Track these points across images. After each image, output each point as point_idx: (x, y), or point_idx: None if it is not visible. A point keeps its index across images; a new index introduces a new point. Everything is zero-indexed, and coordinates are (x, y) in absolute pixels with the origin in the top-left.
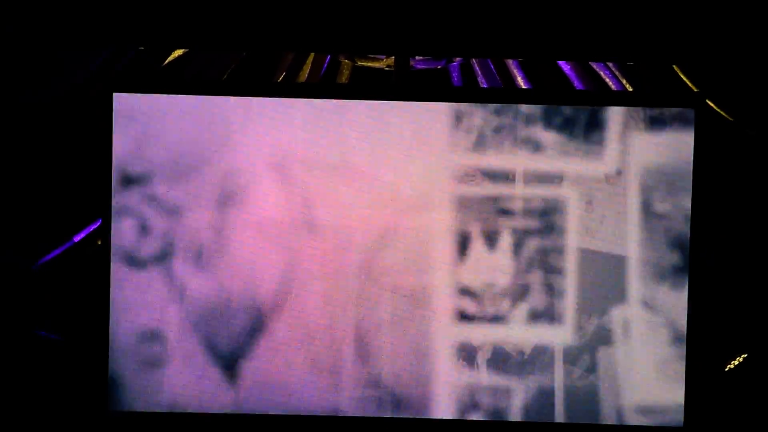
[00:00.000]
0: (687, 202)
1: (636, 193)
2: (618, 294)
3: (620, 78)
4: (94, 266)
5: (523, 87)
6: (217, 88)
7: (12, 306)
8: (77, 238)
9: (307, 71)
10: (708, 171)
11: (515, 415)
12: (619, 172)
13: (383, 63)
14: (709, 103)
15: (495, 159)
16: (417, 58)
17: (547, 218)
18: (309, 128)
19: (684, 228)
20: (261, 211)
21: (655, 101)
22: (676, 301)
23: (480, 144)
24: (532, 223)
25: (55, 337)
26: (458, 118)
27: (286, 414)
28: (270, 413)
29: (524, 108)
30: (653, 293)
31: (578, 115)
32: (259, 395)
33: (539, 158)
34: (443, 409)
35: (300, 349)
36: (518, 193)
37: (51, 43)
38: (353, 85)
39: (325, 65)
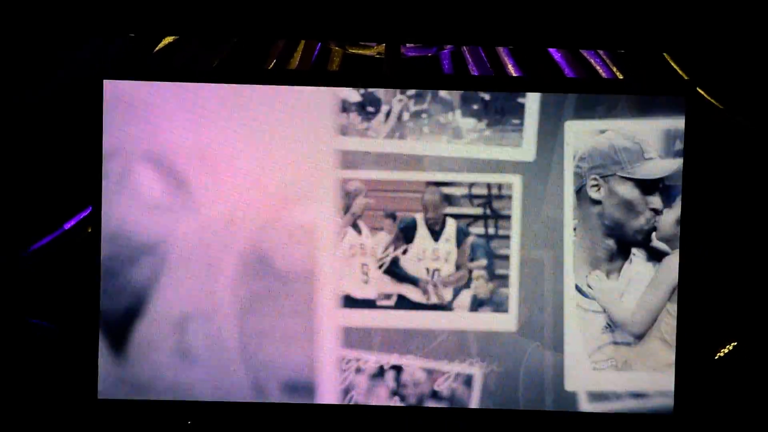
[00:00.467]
0: (620, 188)
1: (570, 180)
2: (553, 281)
3: (611, 66)
4: (84, 253)
5: (514, 75)
6: (207, 76)
7: (2, 293)
8: (67, 226)
9: (298, 58)
10: (698, 160)
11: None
12: (544, 158)
13: (374, 50)
14: (700, 91)
15: (412, 145)
16: (408, 45)
17: (475, 202)
18: (193, 115)
19: (617, 214)
20: (143, 198)
21: (646, 89)
22: (610, 288)
23: (398, 130)
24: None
25: (46, 324)
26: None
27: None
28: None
29: (442, 93)
30: (588, 280)
31: (497, 100)
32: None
33: (458, 144)
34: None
35: (177, 334)
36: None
37: (41, 31)
38: (344, 72)
39: (316, 52)
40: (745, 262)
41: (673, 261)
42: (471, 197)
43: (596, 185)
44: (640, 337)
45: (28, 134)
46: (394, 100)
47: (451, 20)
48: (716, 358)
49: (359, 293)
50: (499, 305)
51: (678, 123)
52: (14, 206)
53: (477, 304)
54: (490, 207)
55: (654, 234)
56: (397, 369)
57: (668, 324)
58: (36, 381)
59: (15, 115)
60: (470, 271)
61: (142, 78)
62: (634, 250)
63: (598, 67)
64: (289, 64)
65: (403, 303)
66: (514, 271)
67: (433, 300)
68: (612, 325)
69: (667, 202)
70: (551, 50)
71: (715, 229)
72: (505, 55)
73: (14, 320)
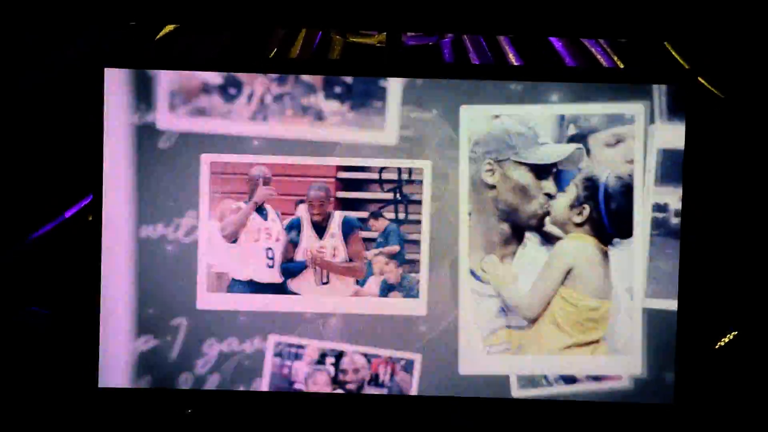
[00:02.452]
0: (514, 173)
1: (465, 164)
2: (447, 264)
3: (611, 55)
4: (85, 241)
5: (515, 63)
6: (208, 64)
7: (3, 281)
8: (68, 214)
9: (299, 47)
10: (699, 151)
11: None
12: (403, 140)
13: (375, 39)
14: (701, 80)
15: (276, 128)
16: (409, 34)
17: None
18: None
19: (511, 198)
20: None
21: (647, 78)
22: (504, 272)
23: (260, 112)
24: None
25: (46, 312)
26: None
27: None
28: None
29: (305, 76)
30: (482, 264)
31: (359, 83)
32: None
33: (320, 127)
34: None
35: None
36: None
37: (43, 19)
38: (345, 60)
39: (317, 41)
40: (744, 251)
41: (565, 245)
42: (381, 182)
43: (490, 170)
44: (533, 320)
45: (29, 122)
46: (257, 83)
47: (452, 9)
48: (716, 348)
49: (265, 278)
50: (409, 290)
51: (570, 109)
52: (15, 194)
53: (387, 290)
54: (401, 192)
55: (547, 218)
56: (296, 352)
57: (561, 308)
58: (36, 369)
59: (16, 103)
60: (367, 261)
61: (143, 66)
62: (527, 235)
63: (598, 56)
64: (290, 53)
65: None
66: (424, 257)
67: (328, 294)
68: (506, 309)
69: (560, 186)
70: (552, 39)
71: (714, 219)
72: (505, 43)
73: (15, 308)
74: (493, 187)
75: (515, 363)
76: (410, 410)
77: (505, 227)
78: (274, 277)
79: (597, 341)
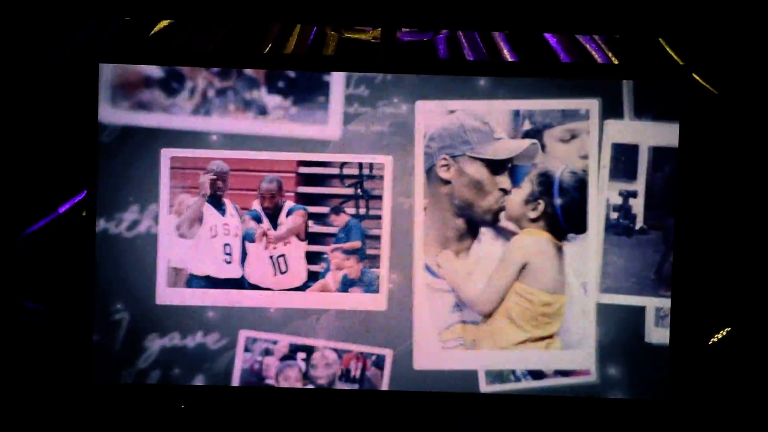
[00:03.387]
0: (470, 168)
1: (420, 159)
2: (406, 259)
3: (606, 51)
4: (78, 237)
5: (509, 59)
6: (203, 60)
7: None
8: (62, 209)
9: (294, 42)
10: (693, 145)
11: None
12: (345, 137)
13: (370, 35)
14: (695, 76)
15: (219, 122)
16: (403, 30)
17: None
18: None
19: (466, 194)
20: None
21: (642, 74)
22: (459, 267)
23: (203, 106)
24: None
25: (40, 308)
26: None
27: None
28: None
29: (248, 71)
30: (437, 259)
31: (303, 78)
32: None
33: (264, 122)
34: None
35: None
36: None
37: (37, 15)
38: (339, 56)
39: (312, 37)
40: (739, 247)
41: (520, 240)
42: (342, 177)
43: (446, 165)
44: (488, 316)
45: (23, 118)
46: (199, 77)
47: (447, 5)
48: (710, 343)
49: (223, 273)
50: (369, 285)
51: (525, 104)
52: (9, 190)
53: (348, 285)
54: (362, 187)
55: (502, 214)
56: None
57: (515, 303)
58: (31, 365)
59: (9, 98)
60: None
61: (138, 62)
62: (482, 230)
63: (593, 52)
64: (285, 49)
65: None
66: (384, 252)
67: (286, 285)
68: (461, 304)
69: (515, 181)
70: (547, 35)
71: (709, 214)
72: (500, 40)
73: (9, 304)
74: (448, 182)
75: (470, 358)
76: (380, 405)
77: (461, 222)
78: (233, 272)
79: (551, 336)
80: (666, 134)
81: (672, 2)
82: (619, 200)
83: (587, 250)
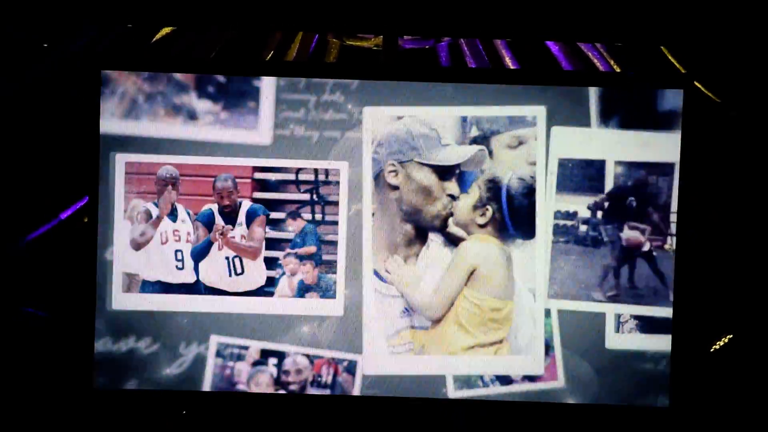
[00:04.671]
0: (418, 174)
1: (368, 165)
2: (356, 266)
3: (608, 59)
4: (80, 243)
5: (511, 67)
6: (204, 67)
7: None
8: (64, 216)
9: (296, 50)
10: (694, 152)
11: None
12: (275, 141)
13: (371, 42)
14: (697, 84)
15: (148, 127)
16: (405, 37)
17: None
18: None
19: (414, 199)
20: None
21: (643, 82)
22: (408, 273)
23: (133, 110)
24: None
25: (42, 314)
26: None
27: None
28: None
29: (178, 75)
30: (386, 265)
31: (233, 83)
32: None
33: (193, 127)
34: None
35: None
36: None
37: (39, 21)
38: (341, 64)
39: (314, 44)
40: (740, 253)
41: (468, 246)
42: (298, 183)
43: (394, 171)
44: (437, 321)
45: (25, 124)
46: (128, 82)
47: (449, 13)
48: (712, 350)
49: (175, 279)
50: (326, 291)
51: (472, 110)
52: (11, 196)
53: (304, 290)
54: (317, 193)
55: (451, 219)
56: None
57: (464, 308)
58: (32, 371)
59: (12, 104)
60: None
61: (140, 68)
62: (431, 236)
63: (595, 60)
64: (287, 56)
65: (210, 289)
66: (341, 257)
67: (242, 287)
68: (409, 310)
69: (463, 187)
70: (549, 43)
71: (711, 220)
72: (502, 47)
73: (11, 310)
74: (396, 188)
75: (419, 363)
76: (352, 410)
77: (409, 228)
78: (186, 277)
79: (500, 342)
80: (631, 143)
81: (674, 10)
82: (587, 213)
83: (535, 255)
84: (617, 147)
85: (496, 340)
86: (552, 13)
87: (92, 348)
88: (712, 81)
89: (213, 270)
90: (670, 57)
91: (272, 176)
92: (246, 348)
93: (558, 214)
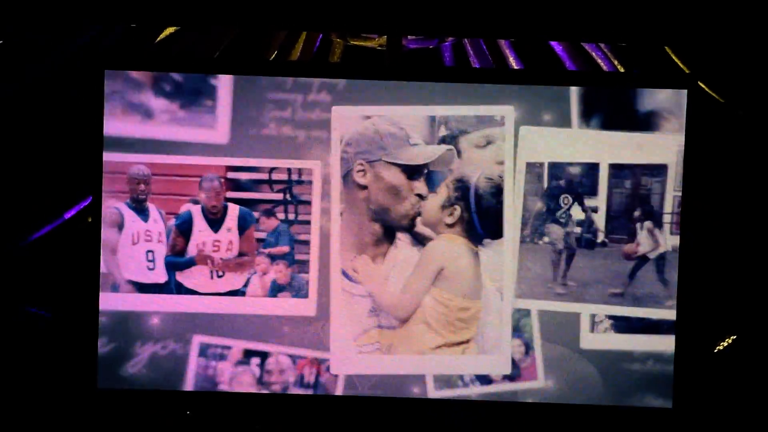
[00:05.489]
0: (386, 173)
1: (336, 165)
2: (324, 264)
3: (612, 59)
4: (84, 243)
5: (515, 67)
6: (208, 66)
7: (1, 282)
8: (68, 215)
9: (299, 50)
10: (698, 152)
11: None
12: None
13: (375, 42)
14: (701, 84)
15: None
16: (409, 37)
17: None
18: None
19: (382, 199)
20: None
21: (647, 82)
22: (376, 272)
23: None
24: None
25: (45, 314)
26: None
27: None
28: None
29: (134, 74)
30: (354, 264)
31: (189, 81)
32: None
33: (149, 125)
34: None
35: None
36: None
37: (42, 21)
38: (345, 63)
39: (317, 44)
40: (744, 255)
41: (436, 246)
42: (271, 183)
43: (362, 170)
44: (404, 320)
45: (29, 123)
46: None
47: (453, 12)
48: (715, 351)
49: (147, 279)
50: (298, 290)
51: (441, 110)
52: (15, 195)
53: (277, 290)
54: (290, 192)
55: (418, 219)
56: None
57: (432, 308)
58: (36, 371)
59: (16, 104)
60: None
61: (143, 68)
62: (399, 235)
63: (599, 60)
64: (291, 56)
65: (185, 289)
66: (314, 257)
67: (221, 288)
68: (377, 309)
69: (431, 187)
70: (552, 43)
71: (714, 221)
72: (506, 47)
73: (13, 310)
74: (364, 187)
75: (386, 363)
76: (334, 411)
77: (377, 227)
78: (158, 278)
79: (467, 341)
80: (608, 144)
81: (678, 10)
82: (581, 215)
83: (503, 255)
84: (592, 147)
85: (464, 340)
86: (556, 13)
87: (95, 348)
88: (717, 81)
89: (193, 271)
90: (674, 57)
91: (245, 176)
92: (229, 348)
93: (572, 220)
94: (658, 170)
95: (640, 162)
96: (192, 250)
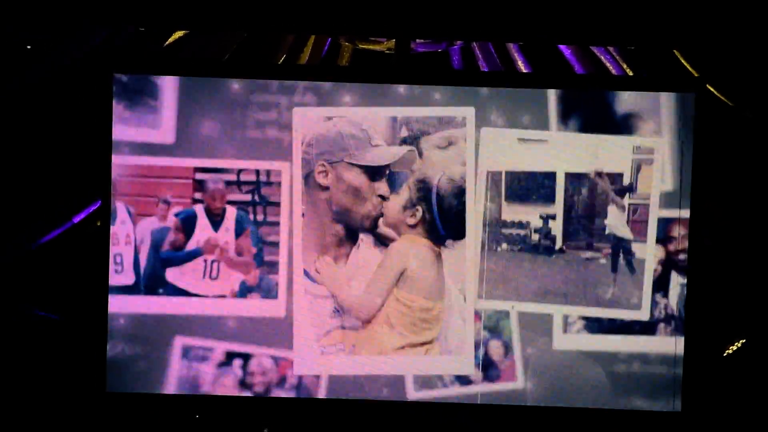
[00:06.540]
0: (348, 174)
1: (298, 165)
2: (284, 262)
3: (621, 62)
4: (93, 247)
5: (524, 71)
6: (217, 70)
7: (11, 285)
8: (77, 219)
9: (308, 53)
10: (707, 157)
11: None
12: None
13: (384, 46)
14: (710, 87)
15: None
16: (418, 41)
17: None
18: None
19: (344, 200)
20: None
21: (656, 85)
22: (338, 273)
23: None
24: None
25: (54, 317)
26: None
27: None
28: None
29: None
30: (316, 265)
31: (134, 81)
32: None
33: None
34: None
35: None
36: None
37: (51, 25)
38: (353, 67)
39: (326, 47)
40: (752, 258)
41: (398, 247)
42: (240, 184)
43: (324, 171)
44: (367, 321)
45: (38, 127)
46: None
47: (462, 16)
48: (724, 355)
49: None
50: (268, 292)
51: (402, 111)
52: (24, 199)
53: (246, 291)
54: (259, 194)
55: (381, 220)
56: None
57: (394, 309)
58: (45, 374)
59: (24, 107)
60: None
61: (152, 71)
62: (361, 236)
63: (607, 64)
64: (299, 59)
65: (174, 291)
66: (282, 258)
67: (213, 291)
68: (340, 310)
69: (393, 188)
70: (561, 47)
71: (722, 226)
72: (515, 51)
73: (23, 313)
74: (326, 188)
75: (350, 363)
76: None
77: (339, 228)
78: (125, 280)
79: (430, 342)
80: (570, 146)
81: (686, 14)
82: (539, 223)
83: (465, 256)
84: (556, 151)
85: (427, 340)
86: (564, 17)
87: (105, 351)
88: (725, 85)
89: (184, 270)
90: (682, 60)
91: (213, 177)
92: (211, 350)
93: (510, 224)
94: (616, 178)
95: (596, 169)
96: (193, 244)
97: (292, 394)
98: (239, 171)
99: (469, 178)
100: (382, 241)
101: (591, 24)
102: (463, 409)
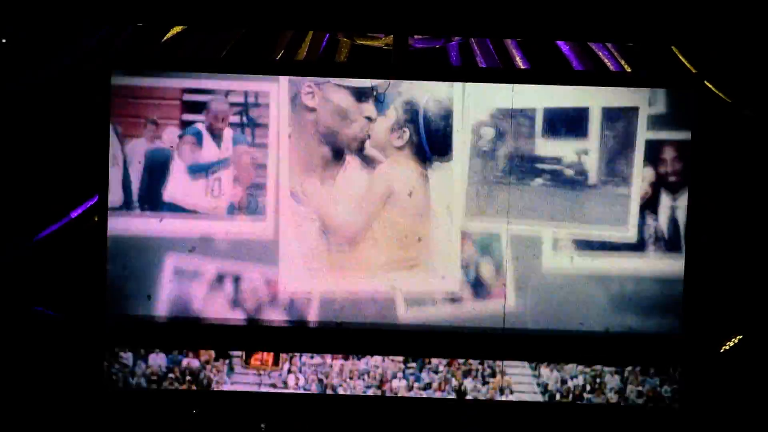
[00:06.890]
0: (335, 96)
1: (285, 87)
2: (272, 184)
3: (619, 59)
4: (90, 242)
5: (522, 67)
6: (215, 66)
7: (9, 281)
8: (74, 214)
9: (306, 49)
10: (705, 152)
11: None
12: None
13: (382, 42)
14: (708, 84)
15: None
16: (416, 37)
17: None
18: None
19: (331, 121)
20: None
21: (654, 82)
22: (325, 194)
23: None
24: None
25: (52, 313)
26: None
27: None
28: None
29: None
30: (303, 187)
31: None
32: None
33: None
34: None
35: None
36: None
37: (50, 23)
38: (351, 63)
39: (324, 43)
40: (750, 254)
41: (385, 168)
42: (228, 105)
43: (310, 92)
44: (353, 242)
45: (36, 123)
46: None
47: (460, 12)
48: (722, 351)
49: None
50: (255, 212)
51: None
52: (21, 195)
53: (233, 211)
54: (247, 115)
55: (368, 142)
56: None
57: (381, 229)
58: (44, 370)
59: (23, 104)
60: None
61: (150, 68)
62: (348, 158)
63: (606, 60)
64: (297, 55)
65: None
66: (271, 180)
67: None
68: (327, 231)
69: (380, 109)
70: (559, 43)
71: (721, 221)
72: (513, 47)
73: (20, 308)
74: (313, 110)
75: (336, 283)
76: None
77: (326, 150)
78: (115, 201)
79: (416, 258)
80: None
81: (684, 11)
82: (574, 158)
83: (452, 177)
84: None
85: (412, 259)
86: (563, 13)
87: (103, 347)
88: (723, 81)
89: (188, 186)
90: (681, 57)
91: (201, 98)
92: (202, 270)
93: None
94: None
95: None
96: (213, 156)
97: (284, 316)
98: (227, 92)
99: (456, 99)
100: (369, 163)
101: (589, 20)
102: (463, 409)
